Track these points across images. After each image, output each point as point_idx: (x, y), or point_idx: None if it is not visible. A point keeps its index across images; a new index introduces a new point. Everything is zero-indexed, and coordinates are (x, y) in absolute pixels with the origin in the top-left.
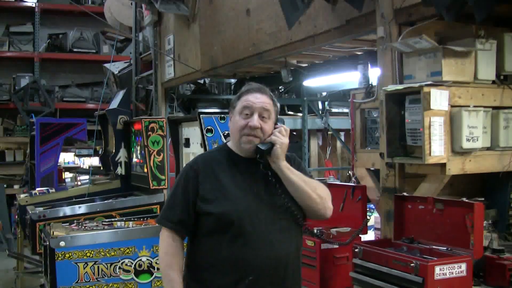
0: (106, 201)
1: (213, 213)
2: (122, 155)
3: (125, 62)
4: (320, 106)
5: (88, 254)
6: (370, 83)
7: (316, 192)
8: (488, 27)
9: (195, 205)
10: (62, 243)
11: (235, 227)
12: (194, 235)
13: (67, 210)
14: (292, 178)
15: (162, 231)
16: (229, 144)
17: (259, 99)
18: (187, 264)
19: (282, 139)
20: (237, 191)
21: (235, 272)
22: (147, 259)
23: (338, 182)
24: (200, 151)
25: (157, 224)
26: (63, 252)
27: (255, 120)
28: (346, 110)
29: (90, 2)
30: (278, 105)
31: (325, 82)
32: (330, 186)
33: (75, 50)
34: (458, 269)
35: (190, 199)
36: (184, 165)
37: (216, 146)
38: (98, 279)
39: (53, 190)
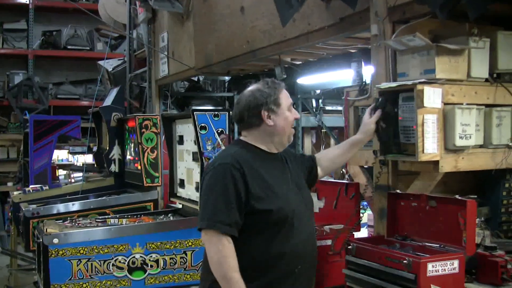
0: (99, 199)
1: (270, 210)
2: (116, 152)
3: (119, 60)
4: (314, 104)
5: (81, 251)
6: (363, 80)
7: None
8: (482, 25)
9: (246, 205)
10: (55, 240)
11: (288, 222)
12: (240, 234)
13: (60, 207)
14: None
15: (209, 236)
16: (249, 140)
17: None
18: None
19: None
20: (279, 186)
21: (286, 265)
22: (141, 256)
23: (331, 180)
24: (194, 148)
25: (208, 229)
26: (56, 249)
27: (298, 113)
28: (339, 108)
29: (84, 0)
30: None
31: (319, 80)
32: (323, 183)
33: (69, 47)
34: (450, 266)
35: (242, 199)
36: (177, 162)
37: (229, 144)
38: (92, 276)
39: (47, 188)
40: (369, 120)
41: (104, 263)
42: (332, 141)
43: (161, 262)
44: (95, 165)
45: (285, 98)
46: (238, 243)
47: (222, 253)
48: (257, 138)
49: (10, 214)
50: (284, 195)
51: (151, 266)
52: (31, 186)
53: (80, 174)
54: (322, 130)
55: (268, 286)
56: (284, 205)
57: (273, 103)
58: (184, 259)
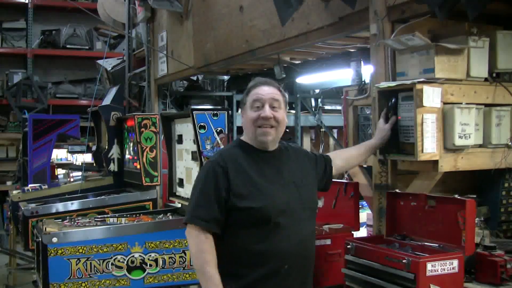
0: (98, 198)
1: (251, 208)
2: (115, 151)
3: (118, 59)
4: (313, 103)
5: (80, 250)
6: (363, 80)
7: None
8: (481, 24)
9: (227, 202)
10: (54, 239)
11: (272, 221)
12: (224, 231)
13: (59, 207)
14: None
15: (190, 230)
16: (244, 139)
17: (266, 91)
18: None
19: None
20: (267, 184)
21: (271, 264)
22: (140, 255)
23: None
24: (193, 147)
25: (188, 223)
26: (55, 248)
27: (267, 111)
28: (339, 107)
29: None
30: (286, 94)
31: (318, 79)
32: None
33: (68, 46)
34: (449, 266)
35: (222, 196)
36: (176, 161)
37: (229, 143)
38: (91, 275)
39: (46, 187)
40: (385, 127)
41: (103, 262)
42: (331, 140)
43: (160, 261)
44: (94, 164)
45: (253, 95)
46: (225, 239)
47: (199, 247)
48: (246, 136)
49: (9, 213)
50: (272, 194)
51: (150, 265)
52: (30, 185)
53: (79, 173)
54: (321, 130)
55: (254, 284)
56: (268, 203)
57: (242, 102)
58: (183, 258)
